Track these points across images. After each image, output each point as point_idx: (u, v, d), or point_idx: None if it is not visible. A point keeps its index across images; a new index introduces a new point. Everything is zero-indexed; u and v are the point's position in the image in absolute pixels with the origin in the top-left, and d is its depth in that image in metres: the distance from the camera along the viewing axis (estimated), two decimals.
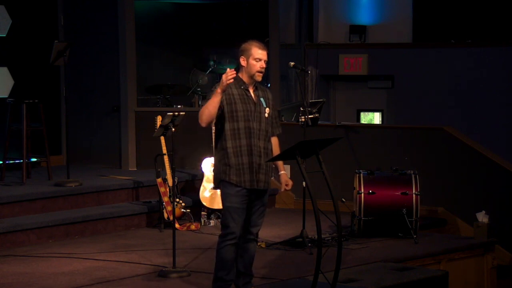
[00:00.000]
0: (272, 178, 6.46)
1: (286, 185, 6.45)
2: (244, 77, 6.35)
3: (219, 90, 6.11)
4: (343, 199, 9.10)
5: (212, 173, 6.83)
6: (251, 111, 6.29)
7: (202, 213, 9.54)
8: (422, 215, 9.05)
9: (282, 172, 6.49)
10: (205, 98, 11.07)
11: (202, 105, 6.25)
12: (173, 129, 7.60)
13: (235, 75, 6.11)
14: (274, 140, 6.49)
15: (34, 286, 7.04)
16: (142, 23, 11.55)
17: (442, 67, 12.50)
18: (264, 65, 6.32)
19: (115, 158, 11.14)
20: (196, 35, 12.89)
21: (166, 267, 7.41)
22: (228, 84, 6.11)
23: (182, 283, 7.08)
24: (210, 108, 6.16)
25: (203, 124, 6.25)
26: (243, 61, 6.33)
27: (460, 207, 9.74)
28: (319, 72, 13.08)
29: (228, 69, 6.08)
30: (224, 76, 6.08)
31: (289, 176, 6.54)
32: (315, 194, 6.07)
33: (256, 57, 6.28)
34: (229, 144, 6.26)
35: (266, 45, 6.48)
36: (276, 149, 6.47)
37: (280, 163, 6.49)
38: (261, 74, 6.33)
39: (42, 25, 11.31)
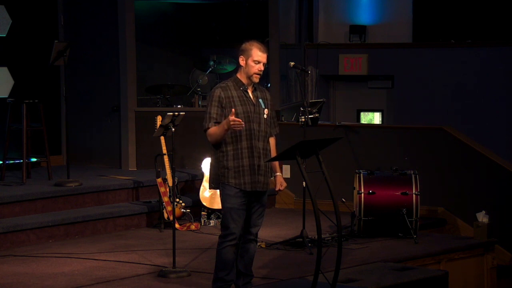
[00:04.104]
0: (271, 178, 6.47)
1: (281, 185, 6.46)
2: (242, 77, 6.35)
3: (226, 128, 6.13)
4: (343, 199, 9.11)
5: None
6: (251, 112, 6.29)
7: (202, 213, 9.54)
8: (422, 215, 9.05)
9: (278, 174, 6.49)
10: (205, 98, 11.21)
11: (205, 115, 6.29)
12: (173, 129, 7.60)
13: (243, 126, 6.13)
14: (272, 141, 6.49)
15: (34, 286, 7.04)
16: (142, 23, 11.54)
17: (442, 67, 12.49)
18: (262, 68, 6.31)
19: (115, 158, 11.14)
20: (196, 35, 12.89)
21: (166, 267, 7.41)
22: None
23: (182, 283, 7.08)
24: (218, 138, 6.25)
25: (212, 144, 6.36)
26: (242, 61, 6.32)
27: (460, 207, 9.75)
28: (319, 72, 13.08)
29: (239, 121, 6.08)
30: (232, 120, 6.05)
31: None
32: (315, 194, 6.08)
33: (255, 59, 6.27)
34: (229, 146, 6.26)
35: (267, 46, 6.47)
36: (273, 150, 6.48)
37: (276, 164, 6.49)
38: (258, 76, 6.32)
39: (42, 25, 11.31)
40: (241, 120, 6.10)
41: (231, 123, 6.07)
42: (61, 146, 11.48)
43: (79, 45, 10.99)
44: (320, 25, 13.67)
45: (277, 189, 6.47)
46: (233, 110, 6.13)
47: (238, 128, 6.13)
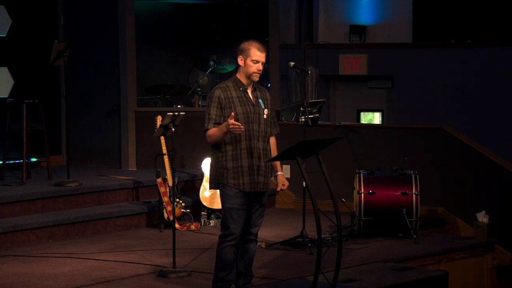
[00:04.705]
0: (271, 179, 6.46)
1: (283, 185, 6.44)
2: (241, 77, 6.34)
3: (225, 130, 6.13)
4: (343, 199, 9.11)
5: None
6: (251, 113, 6.29)
7: (202, 213, 9.54)
8: (422, 215, 9.05)
9: (279, 173, 6.48)
10: (205, 98, 11.21)
11: (205, 115, 6.29)
12: (173, 129, 7.60)
13: (242, 130, 6.12)
14: (272, 140, 6.49)
15: (34, 286, 7.04)
16: (142, 23, 11.54)
17: (442, 67, 12.49)
18: (261, 67, 6.30)
19: (115, 158, 11.14)
20: (196, 35, 12.89)
21: (166, 267, 7.41)
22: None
23: (182, 283, 7.08)
24: (217, 140, 6.24)
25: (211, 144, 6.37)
26: (240, 61, 6.32)
27: (460, 207, 9.75)
28: (319, 72, 13.08)
29: (238, 125, 6.06)
30: (231, 124, 6.05)
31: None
32: (315, 194, 6.07)
33: (254, 58, 6.26)
34: (228, 147, 6.26)
35: (266, 46, 6.46)
36: (274, 149, 6.47)
37: (277, 163, 6.48)
38: (258, 75, 6.32)
39: (42, 25, 11.31)
40: (240, 124, 6.10)
41: (230, 126, 6.06)
42: (61, 146, 11.48)
43: (79, 45, 10.99)
44: (320, 25, 13.67)
45: (278, 189, 6.43)
46: (232, 113, 6.12)
47: (238, 132, 6.13)
